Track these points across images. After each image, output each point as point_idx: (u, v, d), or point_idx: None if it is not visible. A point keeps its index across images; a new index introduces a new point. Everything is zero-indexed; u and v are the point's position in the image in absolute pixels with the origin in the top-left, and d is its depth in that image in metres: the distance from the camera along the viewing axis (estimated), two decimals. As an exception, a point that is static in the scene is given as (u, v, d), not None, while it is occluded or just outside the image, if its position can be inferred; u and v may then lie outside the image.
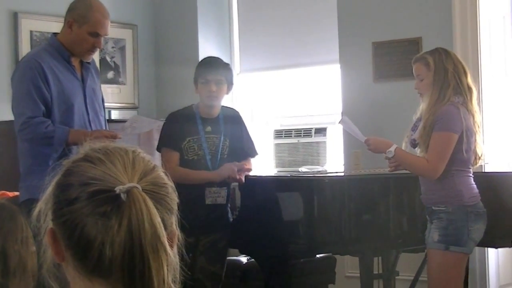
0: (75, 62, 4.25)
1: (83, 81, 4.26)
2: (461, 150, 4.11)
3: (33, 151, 4.14)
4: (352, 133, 4.58)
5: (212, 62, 4.94)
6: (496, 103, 5.78)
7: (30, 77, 4.08)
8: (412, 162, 4.27)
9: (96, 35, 4.19)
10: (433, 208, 4.19)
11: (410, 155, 4.29)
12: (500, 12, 5.93)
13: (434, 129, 4.11)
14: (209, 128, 4.82)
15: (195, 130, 4.81)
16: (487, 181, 4.28)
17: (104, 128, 4.37)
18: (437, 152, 4.11)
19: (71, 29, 4.19)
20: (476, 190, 4.18)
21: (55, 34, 4.33)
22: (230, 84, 4.85)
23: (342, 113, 6.14)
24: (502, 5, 5.94)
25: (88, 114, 4.25)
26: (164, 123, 4.93)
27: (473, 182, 4.19)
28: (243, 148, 4.90)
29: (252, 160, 4.96)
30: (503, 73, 5.91)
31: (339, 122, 4.82)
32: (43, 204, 1.34)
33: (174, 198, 1.34)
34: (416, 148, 4.29)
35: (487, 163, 4.54)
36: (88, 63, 4.32)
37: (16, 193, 4.52)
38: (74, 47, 4.20)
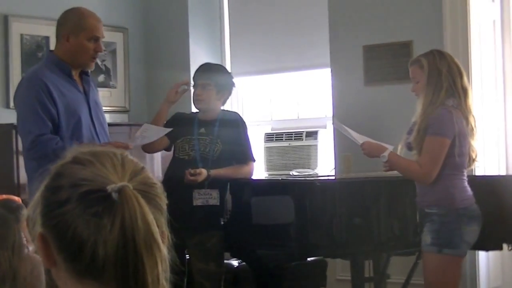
0: (75, 76, 4.21)
1: (85, 94, 4.23)
2: (454, 155, 4.12)
3: (42, 170, 4.09)
4: (349, 136, 4.59)
5: (201, 66, 5.04)
6: (486, 107, 5.79)
7: (34, 95, 4.02)
8: (405, 167, 4.29)
9: (95, 39, 4.17)
10: (426, 210, 4.20)
11: (403, 160, 4.30)
12: (490, 16, 5.95)
13: (427, 134, 4.12)
14: (202, 130, 4.89)
15: (190, 131, 4.89)
16: (476, 184, 4.29)
17: (108, 140, 4.34)
18: (429, 157, 4.12)
19: (68, 41, 4.14)
20: (470, 193, 4.19)
21: (51, 50, 4.30)
22: (221, 88, 4.90)
23: (333, 117, 6.14)
24: (492, 9, 5.96)
25: (94, 126, 4.22)
26: (170, 117, 5.06)
27: (467, 185, 4.21)
28: (235, 153, 4.90)
29: (245, 166, 4.94)
30: (493, 77, 5.93)
31: (333, 125, 4.82)
32: (32, 211, 1.34)
33: (163, 199, 1.34)
34: (411, 152, 4.30)
35: (478, 167, 4.55)
36: (88, 76, 4.29)
37: (4, 196, 4.49)
38: (77, 57, 4.15)
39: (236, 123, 4.97)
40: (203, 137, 4.87)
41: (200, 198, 4.76)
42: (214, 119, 4.91)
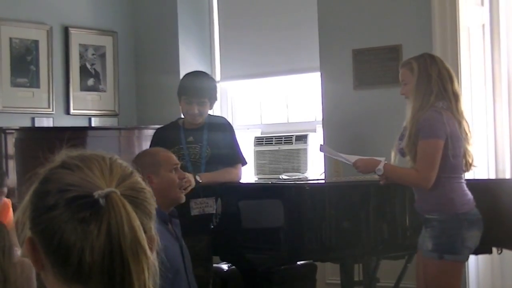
0: None
1: None
2: (448, 156, 4.11)
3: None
4: (338, 158, 4.59)
5: (196, 83, 4.97)
6: (475, 111, 5.80)
7: None
8: (403, 176, 4.27)
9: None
10: (426, 216, 4.18)
11: (400, 169, 4.30)
12: (480, 20, 5.96)
13: (419, 138, 4.11)
14: (191, 138, 4.90)
15: (177, 141, 4.89)
16: (468, 188, 4.29)
17: None
18: (425, 160, 4.11)
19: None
20: (469, 197, 4.17)
21: None
22: (213, 100, 4.96)
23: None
24: (482, 13, 5.97)
25: None
26: (152, 138, 5.08)
27: (466, 189, 4.19)
28: (225, 157, 4.91)
29: (233, 169, 4.95)
30: (482, 81, 5.94)
31: (320, 150, 4.82)
32: (21, 214, 1.33)
33: (152, 203, 1.34)
34: (405, 157, 4.29)
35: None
36: None
37: None
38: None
39: (223, 127, 5.00)
40: (193, 145, 4.88)
41: (197, 208, 4.76)
42: (201, 126, 4.92)
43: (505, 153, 5.90)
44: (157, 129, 5.16)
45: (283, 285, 5.50)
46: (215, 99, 4.99)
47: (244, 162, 5.02)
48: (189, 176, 4.67)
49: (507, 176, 5.82)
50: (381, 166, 4.26)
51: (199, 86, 4.93)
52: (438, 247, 4.10)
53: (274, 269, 5.18)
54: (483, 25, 5.98)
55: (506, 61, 5.98)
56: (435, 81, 4.16)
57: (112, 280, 1.24)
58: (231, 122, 7.08)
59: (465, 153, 4.21)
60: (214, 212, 4.81)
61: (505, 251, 4.85)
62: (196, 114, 4.88)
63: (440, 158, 4.11)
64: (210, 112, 5.05)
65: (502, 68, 5.96)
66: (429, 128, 4.09)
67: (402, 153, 4.29)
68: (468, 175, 4.84)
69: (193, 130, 4.91)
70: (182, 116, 5.08)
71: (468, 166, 4.25)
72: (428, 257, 4.15)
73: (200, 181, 4.71)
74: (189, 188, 4.62)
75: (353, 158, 4.47)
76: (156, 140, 4.97)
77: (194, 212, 4.75)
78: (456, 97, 4.20)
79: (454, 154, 4.14)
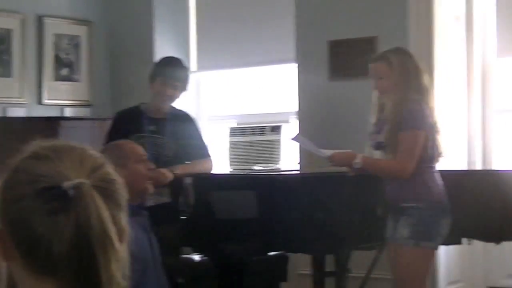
0: None
1: None
2: (426, 147, 4.17)
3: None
4: (311, 150, 4.60)
5: (173, 66, 5.00)
6: (449, 104, 5.82)
7: None
8: (382, 167, 4.32)
9: None
10: (402, 205, 4.22)
11: (378, 161, 4.34)
12: (455, 12, 5.99)
13: (400, 129, 4.15)
14: (153, 128, 4.84)
15: (139, 129, 4.83)
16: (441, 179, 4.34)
17: None
18: (405, 151, 4.16)
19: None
20: (442, 186, 4.26)
21: None
22: (184, 89, 4.95)
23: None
24: (456, 6, 6.00)
25: None
26: (111, 122, 5.01)
27: (439, 178, 4.27)
28: (190, 150, 4.89)
29: (205, 161, 4.94)
30: (456, 73, 5.96)
31: (292, 139, 4.83)
32: None
33: (123, 194, 1.33)
34: (379, 151, 4.32)
35: (439, 162, 4.59)
36: None
37: None
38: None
39: (187, 121, 4.99)
40: (155, 136, 4.83)
41: (151, 199, 4.69)
42: (164, 117, 4.90)
43: (476, 145, 5.94)
44: (118, 113, 5.09)
45: (254, 276, 5.50)
46: (186, 89, 4.98)
47: (209, 156, 5.01)
48: (165, 171, 4.63)
49: (478, 168, 5.86)
50: (358, 159, 4.28)
51: (176, 70, 4.96)
52: (415, 234, 4.16)
53: (246, 259, 5.18)
54: (459, 17, 6.01)
55: (480, 53, 6.02)
56: (414, 74, 4.22)
57: (80, 271, 1.23)
58: (206, 113, 7.10)
59: (436, 144, 4.26)
60: (170, 201, 4.76)
61: (474, 241, 4.90)
62: (169, 97, 4.87)
63: (421, 149, 4.16)
64: (177, 105, 5.01)
65: (475, 60, 5.99)
66: (412, 120, 4.15)
67: (377, 147, 4.32)
68: (441, 166, 4.89)
69: (156, 120, 4.88)
70: (146, 102, 5.01)
71: (438, 156, 4.31)
72: (403, 244, 4.19)
73: (176, 172, 4.69)
74: (166, 181, 4.60)
75: (327, 152, 4.48)
76: (117, 125, 4.91)
77: (149, 203, 4.69)
78: (427, 90, 4.27)
79: (431, 145, 4.21)
